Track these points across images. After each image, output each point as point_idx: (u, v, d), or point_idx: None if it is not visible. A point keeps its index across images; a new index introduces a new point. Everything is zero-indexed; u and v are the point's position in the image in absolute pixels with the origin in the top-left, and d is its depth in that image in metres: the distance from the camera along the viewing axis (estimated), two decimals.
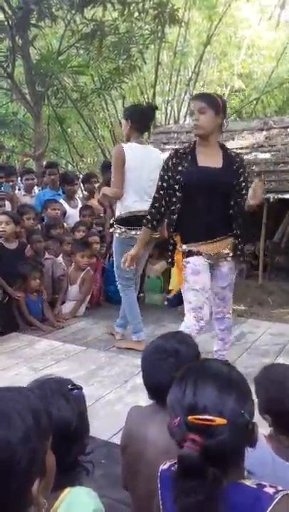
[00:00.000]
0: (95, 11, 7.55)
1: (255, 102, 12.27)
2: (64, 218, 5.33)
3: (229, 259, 3.05)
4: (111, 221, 3.77)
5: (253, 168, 6.85)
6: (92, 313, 4.79)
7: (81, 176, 6.85)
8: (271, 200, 6.40)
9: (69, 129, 11.69)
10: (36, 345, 3.90)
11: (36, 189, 6.25)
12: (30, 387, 1.17)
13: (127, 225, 3.63)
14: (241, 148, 7.30)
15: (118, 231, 3.68)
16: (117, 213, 3.73)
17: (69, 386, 1.28)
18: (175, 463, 1.12)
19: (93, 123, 11.36)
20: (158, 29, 7.92)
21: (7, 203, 4.99)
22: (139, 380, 3.14)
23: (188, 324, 2.96)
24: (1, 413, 0.82)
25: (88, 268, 4.74)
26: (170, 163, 2.96)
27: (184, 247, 2.97)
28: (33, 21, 7.21)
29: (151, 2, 7.48)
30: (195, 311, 2.95)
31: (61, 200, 5.45)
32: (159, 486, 1.14)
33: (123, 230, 3.65)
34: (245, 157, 7.03)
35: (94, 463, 1.28)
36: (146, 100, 10.74)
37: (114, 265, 3.85)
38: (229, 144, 7.53)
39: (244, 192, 2.90)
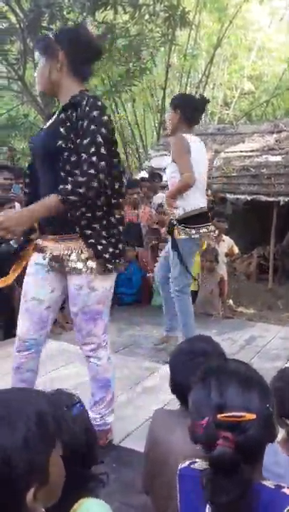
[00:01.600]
0: (106, 13, 7.58)
1: (265, 104, 12.25)
2: None
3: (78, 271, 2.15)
4: (174, 222, 3.43)
5: (263, 171, 6.83)
6: None
7: None
8: (281, 203, 6.37)
9: None
10: (45, 346, 3.89)
11: None
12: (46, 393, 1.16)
13: (194, 223, 3.39)
14: (252, 151, 7.29)
15: (187, 231, 3.39)
16: (181, 212, 3.41)
17: (71, 401, 1.21)
18: (194, 461, 1.13)
19: None
20: (168, 32, 7.93)
21: (17, 204, 5.01)
22: (149, 382, 3.17)
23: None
24: (3, 415, 0.79)
25: None
26: None
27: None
28: (44, 24, 7.25)
29: (162, 5, 7.49)
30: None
31: None
32: (178, 484, 1.16)
33: (192, 229, 3.39)
34: (255, 160, 7.07)
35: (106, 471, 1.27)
36: (157, 103, 10.76)
37: (179, 270, 3.50)
38: (239, 147, 7.54)
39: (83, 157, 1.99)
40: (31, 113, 9.32)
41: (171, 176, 3.47)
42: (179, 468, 1.16)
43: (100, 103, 2.05)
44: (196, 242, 3.52)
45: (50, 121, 2.27)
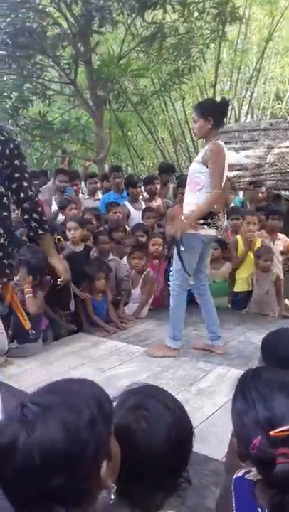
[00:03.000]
0: (155, 13, 7.59)
1: None
2: (128, 220, 5.41)
3: None
4: (201, 221, 3.44)
5: None
6: (154, 316, 4.80)
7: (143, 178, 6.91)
8: None
9: (129, 132, 11.84)
10: (101, 345, 3.97)
11: (99, 192, 6.40)
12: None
13: (204, 222, 3.42)
14: None
15: (193, 228, 3.42)
16: (191, 208, 3.44)
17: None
18: (249, 471, 1.10)
19: (153, 125, 11.42)
20: (218, 28, 7.83)
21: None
22: (204, 384, 3.14)
23: None
24: (69, 403, 0.88)
25: (148, 270, 4.76)
26: None
27: None
28: (94, 28, 7.37)
29: (212, 1, 7.41)
30: None
31: (126, 203, 5.54)
32: (233, 493, 1.13)
33: (200, 227, 3.43)
34: None
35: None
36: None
37: (178, 265, 3.57)
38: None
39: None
40: (83, 116, 9.50)
41: (195, 176, 3.45)
42: (234, 477, 1.14)
43: None
44: (202, 240, 3.48)
45: None
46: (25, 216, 2.52)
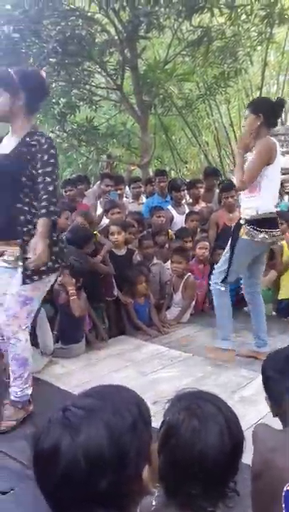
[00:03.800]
0: (202, 17, 7.58)
1: None
2: (171, 224, 5.41)
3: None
4: (242, 221, 3.43)
5: None
6: (196, 320, 4.77)
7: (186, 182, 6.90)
8: None
9: (173, 136, 11.86)
10: (143, 349, 3.99)
11: (143, 197, 6.44)
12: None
13: (263, 227, 3.35)
14: None
15: (252, 233, 3.36)
16: (253, 213, 3.38)
17: None
18: None
19: (197, 129, 11.38)
20: (266, 30, 7.72)
21: None
22: (247, 392, 3.10)
23: None
24: (112, 406, 0.89)
25: (189, 274, 4.75)
26: None
27: None
28: (141, 33, 7.44)
29: (260, 3, 7.32)
30: None
31: (169, 207, 5.55)
32: (283, 505, 1.13)
33: (259, 232, 3.35)
34: None
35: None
36: None
37: (225, 266, 3.52)
38: None
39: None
40: (129, 121, 9.61)
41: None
42: (285, 489, 1.12)
43: None
44: (258, 247, 3.43)
45: None
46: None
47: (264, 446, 1.46)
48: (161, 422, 1.14)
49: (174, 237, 5.21)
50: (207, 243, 4.97)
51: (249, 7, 7.30)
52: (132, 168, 8.05)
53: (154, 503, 1.07)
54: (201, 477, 1.03)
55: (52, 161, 2.51)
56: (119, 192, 6.11)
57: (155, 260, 4.79)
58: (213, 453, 1.04)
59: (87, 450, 0.81)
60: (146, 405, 0.95)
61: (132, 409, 0.90)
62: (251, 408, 2.86)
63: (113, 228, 4.50)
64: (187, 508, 1.04)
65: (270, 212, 3.40)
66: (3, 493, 1.97)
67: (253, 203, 3.37)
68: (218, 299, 3.66)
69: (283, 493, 1.12)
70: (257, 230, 3.35)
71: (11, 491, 2.04)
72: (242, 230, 3.41)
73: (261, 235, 3.35)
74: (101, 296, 4.25)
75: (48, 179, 2.47)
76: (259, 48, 8.69)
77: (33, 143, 2.54)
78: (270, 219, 3.39)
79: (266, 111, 3.36)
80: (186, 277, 4.72)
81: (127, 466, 0.85)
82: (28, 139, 2.56)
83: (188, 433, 1.06)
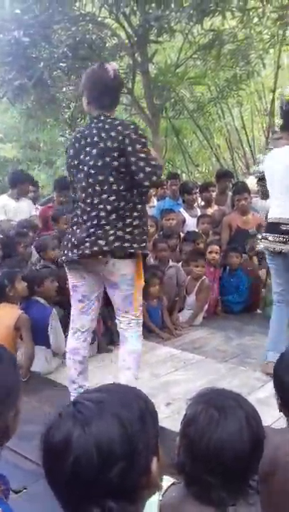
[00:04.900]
0: (213, 20, 7.57)
1: None
2: (183, 227, 5.39)
3: None
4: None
5: None
6: (208, 323, 4.73)
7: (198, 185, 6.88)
8: None
9: (184, 139, 11.85)
10: (156, 351, 3.97)
11: (154, 199, 6.42)
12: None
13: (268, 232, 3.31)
14: None
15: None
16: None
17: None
18: None
19: (209, 132, 11.37)
20: (279, 32, 7.69)
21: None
22: (262, 394, 3.05)
23: None
24: (120, 399, 0.91)
25: (204, 277, 4.72)
26: None
27: None
28: (152, 37, 7.46)
29: (272, 6, 7.29)
30: None
31: (181, 210, 5.53)
32: None
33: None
34: None
35: None
36: (265, 106, 10.46)
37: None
38: None
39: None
40: (139, 124, 9.62)
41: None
42: None
43: None
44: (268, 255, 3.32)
45: None
46: None
47: (273, 444, 1.44)
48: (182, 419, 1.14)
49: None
50: (217, 247, 4.93)
51: (261, 10, 7.28)
52: None
53: (160, 498, 1.08)
54: (220, 470, 1.02)
55: None
56: None
57: (171, 263, 4.76)
58: (231, 446, 1.03)
59: (99, 441, 0.81)
60: (152, 402, 0.97)
61: (139, 402, 0.92)
62: (266, 411, 2.81)
63: None
64: (207, 499, 1.04)
65: (279, 218, 3.25)
66: (16, 492, 1.96)
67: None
68: (274, 314, 3.47)
69: None
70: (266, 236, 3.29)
71: (24, 490, 2.04)
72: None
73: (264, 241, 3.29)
74: None
75: None
76: (271, 50, 8.66)
77: None
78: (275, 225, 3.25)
79: None
80: (201, 280, 4.69)
81: (136, 457, 0.85)
82: None
83: (206, 421, 1.06)
